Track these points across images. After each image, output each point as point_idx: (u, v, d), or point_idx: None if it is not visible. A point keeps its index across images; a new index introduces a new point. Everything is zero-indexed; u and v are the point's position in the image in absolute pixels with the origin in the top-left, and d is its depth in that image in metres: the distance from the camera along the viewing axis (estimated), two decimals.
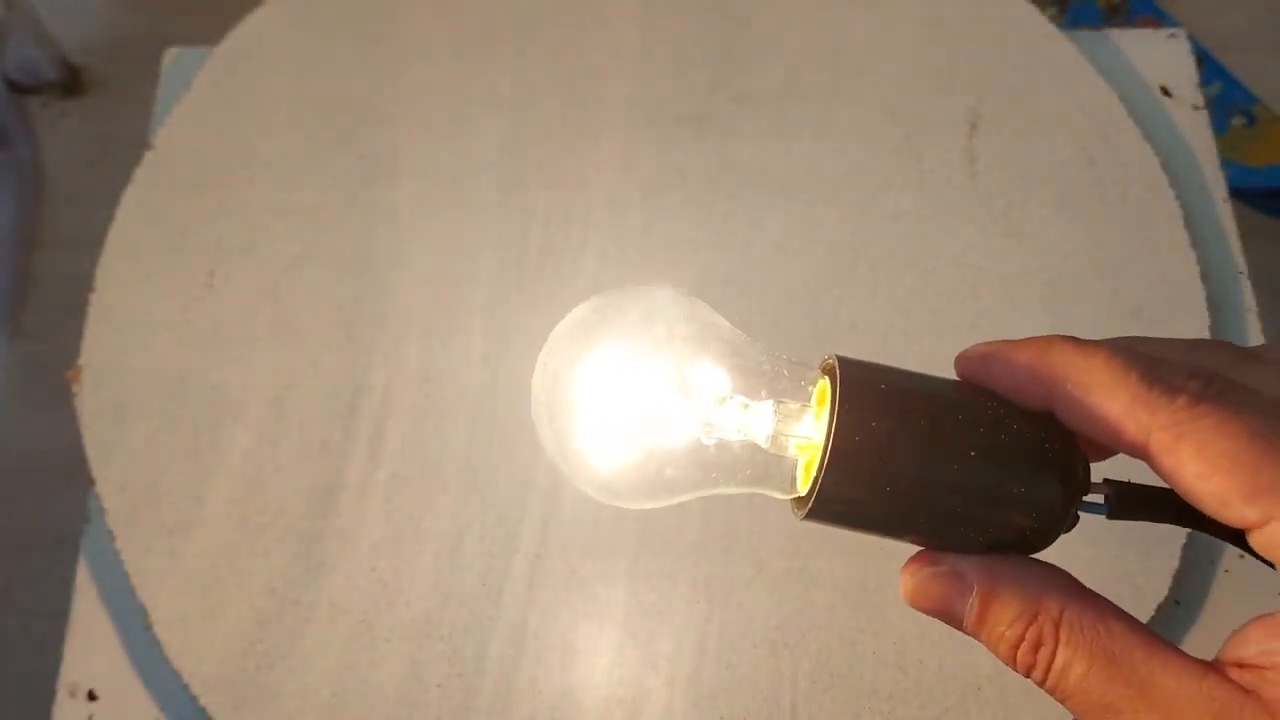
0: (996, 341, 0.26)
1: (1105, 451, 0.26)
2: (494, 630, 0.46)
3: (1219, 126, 1.10)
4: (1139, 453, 0.23)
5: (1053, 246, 0.53)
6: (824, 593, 0.46)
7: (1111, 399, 0.23)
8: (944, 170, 0.55)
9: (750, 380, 0.27)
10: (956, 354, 0.26)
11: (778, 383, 0.27)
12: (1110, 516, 0.26)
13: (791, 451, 0.27)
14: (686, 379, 0.27)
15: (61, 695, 0.47)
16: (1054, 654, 0.23)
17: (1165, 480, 0.23)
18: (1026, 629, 0.24)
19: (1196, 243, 0.53)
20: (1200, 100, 0.59)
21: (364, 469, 0.49)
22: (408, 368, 0.51)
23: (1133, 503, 0.25)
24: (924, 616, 0.26)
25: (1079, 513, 0.25)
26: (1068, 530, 0.25)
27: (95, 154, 1.25)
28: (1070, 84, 0.57)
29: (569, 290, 0.53)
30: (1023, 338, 0.25)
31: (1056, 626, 0.23)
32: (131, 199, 0.56)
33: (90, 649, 0.48)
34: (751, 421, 0.27)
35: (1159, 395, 0.22)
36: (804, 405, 0.26)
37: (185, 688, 0.45)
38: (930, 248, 0.53)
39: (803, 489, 0.26)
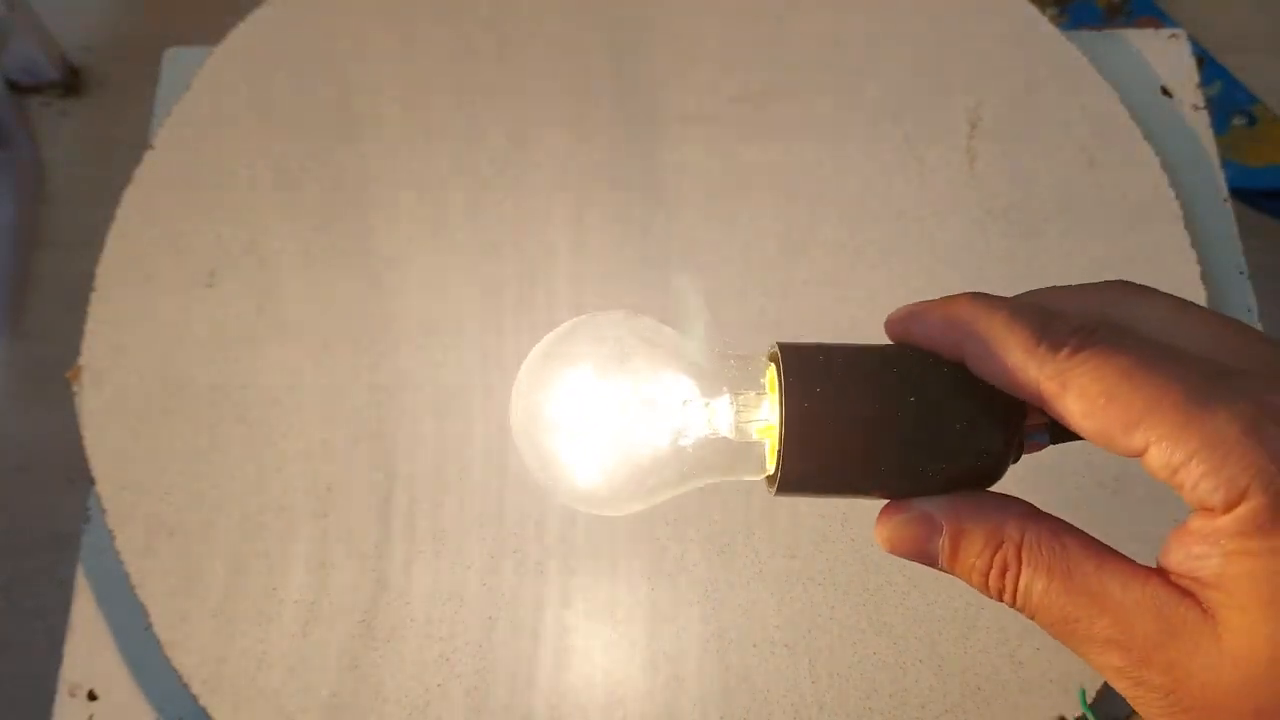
0: (917, 302, 0.28)
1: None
2: (494, 630, 0.46)
3: (1219, 127, 1.10)
4: (1037, 402, 0.25)
5: (1053, 246, 0.53)
6: (824, 593, 0.46)
7: (1006, 355, 0.25)
8: (944, 170, 0.55)
9: (706, 380, 0.29)
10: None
11: (731, 377, 0.29)
12: (1052, 442, 0.28)
13: (756, 436, 0.29)
14: (649, 391, 0.29)
15: (61, 695, 0.47)
16: (1019, 576, 0.25)
17: (1065, 425, 0.25)
18: (994, 556, 0.25)
19: (1196, 243, 0.53)
20: (1200, 100, 0.58)
21: (364, 469, 0.49)
22: (407, 367, 0.51)
23: (1067, 429, 0.27)
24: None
25: (1023, 442, 0.27)
26: (1015, 460, 0.27)
27: (95, 154, 1.25)
28: (1070, 84, 0.57)
29: (567, 287, 0.53)
30: (940, 297, 0.27)
31: (1019, 549, 0.25)
32: (131, 199, 0.56)
33: (90, 649, 0.48)
34: (714, 417, 0.29)
35: (1045, 350, 0.24)
36: (759, 393, 0.29)
37: (185, 688, 0.45)
38: (930, 248, 0.53)
39: (771, 467, 0.28)
